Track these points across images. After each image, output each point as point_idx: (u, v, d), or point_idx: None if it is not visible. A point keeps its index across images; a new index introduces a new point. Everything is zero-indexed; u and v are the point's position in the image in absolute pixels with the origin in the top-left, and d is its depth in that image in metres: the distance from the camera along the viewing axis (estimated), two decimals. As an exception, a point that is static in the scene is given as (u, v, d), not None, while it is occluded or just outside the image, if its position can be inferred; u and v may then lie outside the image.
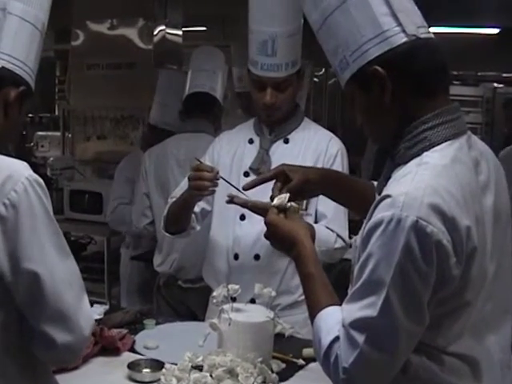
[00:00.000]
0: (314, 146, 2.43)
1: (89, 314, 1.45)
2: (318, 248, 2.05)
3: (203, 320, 2.55)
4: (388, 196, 1.28)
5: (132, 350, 2.15)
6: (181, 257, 3.16)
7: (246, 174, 2.42)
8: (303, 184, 1.78)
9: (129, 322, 2.39)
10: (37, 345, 1.41)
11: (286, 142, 2.44)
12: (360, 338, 1.28)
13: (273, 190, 1.77)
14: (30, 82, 1.56)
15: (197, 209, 2.44)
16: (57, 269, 1.37)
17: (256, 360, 1.85)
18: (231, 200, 1.99)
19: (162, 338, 2.25)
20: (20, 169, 1.37)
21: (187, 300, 3.18)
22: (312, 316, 1.42)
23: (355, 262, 1.37)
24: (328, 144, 2.43)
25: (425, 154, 1.33)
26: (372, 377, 1.32)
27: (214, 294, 2.01)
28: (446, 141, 1.34)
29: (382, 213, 1.27)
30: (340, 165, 2.42)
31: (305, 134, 2.45)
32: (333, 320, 1.35)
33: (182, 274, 3.19)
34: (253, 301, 2.19)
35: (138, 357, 2.07)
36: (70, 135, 6.02)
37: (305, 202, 2.36)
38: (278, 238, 1.62)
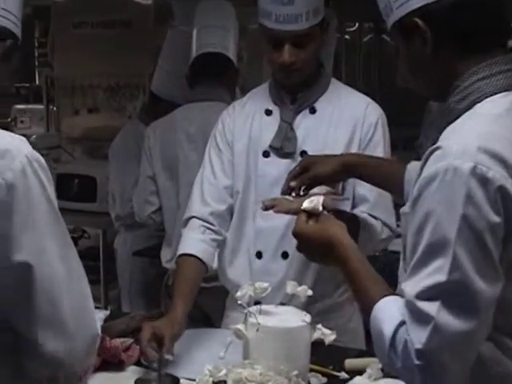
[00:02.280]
0: (347, 115, 2.38)
1: (92, 325, 1.44)
2: (363, 244, 2.06)
3: (220, 326, 2.54)
4: (438, 148, 1.35)
5: (139, 363, 2.14)
6: None
7: (266, 154, 2.38)
8: (324, 175, 1.97)
9: (134, 329, 2.38)
10: (23, 354, 1.40)
11: (313, 111, 2.39)
12: (432, 308, 1.30)
13: (287, 180, 1.87)
14: (17, 33, 1.55)
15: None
16: (55, 264, 1.36)
17: (291, 373, 1.83)
18: (267, 208, 2.03)
19: (174, 349, 2.21)
20: (18, 144, 1.37)
21: (201, 302, 3.15)
22: (367, 312, 1.47)
23: (406, 233, 1.42)
24: (365, 111, 2.38)
25: (477, 105, 1.40)
26: (453, 355, 1.33)
27: (238, 293, 1.99)
28: (500, 92, 1.40)
29: (434, 165, 1.33)
30: (381, 136, 2.38)
31: (334, 100, 2.40)
32: (393, 308, 1.41)
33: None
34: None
35: (147, 371, 2.06)
36: (54, 108, 5.99)
37: (341, 184, 2.33)
38: (313, 248, 1.68)
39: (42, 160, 1.39)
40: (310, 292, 2.00)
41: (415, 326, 1.32)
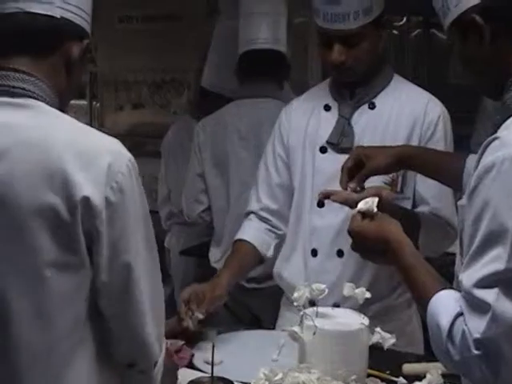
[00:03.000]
0: (407, 111, 2.35)
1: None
2: (425, 244, 2.04)
3: (270, 328, 2.52)
4: (496, 138, 1.37)
5: (191, 365, 2.13)
6: None
7: (323, 150, 2.37)
8: (378, 169, 2.01)
9: (184, 330, 2.35)
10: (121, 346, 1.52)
11: (372, 107, 2.37)
12: (490, 295, 1.31)
13: (341, 181, 1.93)
14: (89, 31, 1.56)
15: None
16: (146, 262, 1.47)
17: (349, 378, 1.80)
18: (325, 196, 2.06)
19: (226, 351, 2.21)
20: (121, 148, 1.45)
21: (251, 303, 3.15)
22: (423, 306, 1.48)
23: (463, 227, 1.44)
24: (426, 107, 2.34)
25: None
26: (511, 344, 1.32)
27: (295, 295, 1.96)
28: None
29: (491, 156, 1.35)
30: (442, 133, 2.34)
31: (395, 96, 2.38)
32: (449, 300, 1.41)
33: (246, 272, 3.14)
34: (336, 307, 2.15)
35: (200, 374, 2.04)
36: (98, 104, 6.00)
37: (399, 180, 2.29)
38: (368, 246, 1.71)
39: (135, 161, 1.47)
40: (368, 294, 1.96)
41: (473, 315, 1.33)
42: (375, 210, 1.71)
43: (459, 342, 1.35)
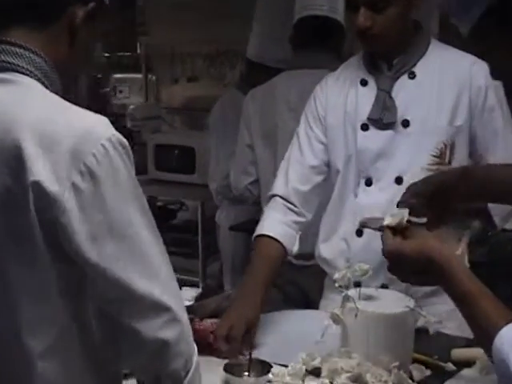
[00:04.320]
0: (451, 77, 2.23)
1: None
2: None
3: (318, 307, 2.46)
4: None
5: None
6: None
7: (365, 127, 2.27)
8: (435, 191, 1.65)
9: (226, 309, 2.31)
10: (125, 349, 1.36)
11: (412, 76, 2.25)
12: None
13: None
14: None
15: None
16: (149, 254, 1.31)
17: (391, 364, 1.72)
18: (364, 226, 1.88)
19: (268, 331, 2.17)
20: (99, 126, 1.30)
21: (299, 280, 3.09)
22: (486, 340, 1.29)
23: None
24: (471, 71, 2.22)
25: None
26: None
27: (336, 275, 1.88)
28: None
29: None
30: (494, 98, 2.21)
31: (436, 62, 2.25)
32: None
33: (295, 248, 3.08)
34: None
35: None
36: (153, 78, 5.97)
37: (447, 152, 2.19)
38: (408, 267, 1.51)
39: (126, 142, 1.33)
40: None
41: None
42: (405, 221, 1.56)
43: None
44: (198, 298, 2.35)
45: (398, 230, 1.55)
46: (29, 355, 1.30)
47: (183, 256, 5.00)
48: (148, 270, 1.30)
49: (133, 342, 1.32)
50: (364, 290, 1.90)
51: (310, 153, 2.36)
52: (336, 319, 1.85)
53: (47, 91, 1.36)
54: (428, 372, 1.81)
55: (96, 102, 6.38)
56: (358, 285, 1.95)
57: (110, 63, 6.02)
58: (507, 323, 1.26)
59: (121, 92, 5.75)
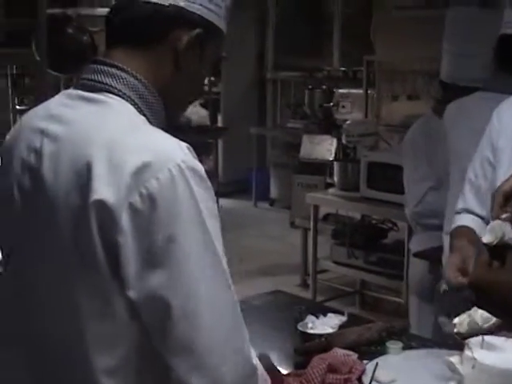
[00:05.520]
0: None
1: (240, 356, 1.30)
2: None
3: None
4: None
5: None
6: None
7: None
8: None
9: (367, 342, 2.23)
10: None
11: None
12: None
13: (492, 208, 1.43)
14: (217, 22, 1.44)
15: None
16: (197, 295, 1.26)
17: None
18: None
19: (403, 369, 2.06)
20: (171, 151, 1.28)
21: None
22: None
23: None
24: None
25: None
26: None
27: (456, 320, 1.74)
28: None
29: None
30: None
31: None
32: None
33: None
34: None
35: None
36: (374, 94, 5.91)
37: None
38: (495, 306, 1.33)
39: (200, 169, 1.28)
40: None
41: None
42: (508, 237, 1.32)
43: None
44: (341, 327, 2.28)
45: (497, 252, 1.33)
46: (93, 372, 1.31)
47: (388, 276, 4.91)
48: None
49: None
50: (490, 339, 1.74)
51: (483, 176, 2.29)
52: (452, 368, 1.71)
53: (133, 112, 1.36)
54: None
55: (327, 115, 6.45)
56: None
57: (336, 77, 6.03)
58: None
59: (343, 107, 5.76)
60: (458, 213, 2.35)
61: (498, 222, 1.38)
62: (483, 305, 1.37)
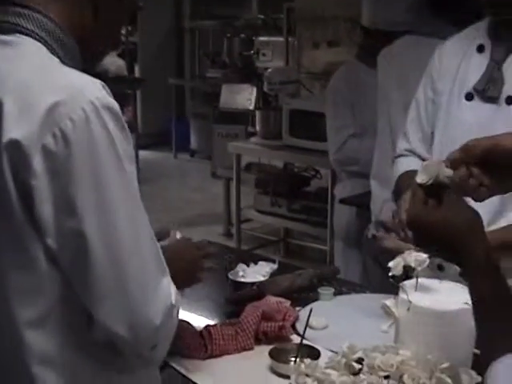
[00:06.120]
0: None
1: (164, 296, 1.28)
2: None
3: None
4: None
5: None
6: None
7: (469, 97, 2.10)
8: (488, 153, 1.32)
9: (299, 288, 2.21)
10: (95, 330, 1.28)
11: None
12: None
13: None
14: None
15: None
16: (118, 232, 1.22)
17: (438, 366, 1.55)
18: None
19: (336, 315, 2.08)
20: (85, 89, 1.22)
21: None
22: (483, 360, 1.14)
23: None
24: None
25: None
26: None
27: (391, 264, 1.72)
28: None
29: None
30: None
31: None
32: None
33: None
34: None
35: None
36: (295, 41, 5.84)
37: None
38: (431, 242, 1.29)
39: (116, 108, 1.23)
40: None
41: None
42: (443, 176, 1.28)
43: None
44: (272, 274, 2.25)
45: (432, 192, 1.28)
46: (16, 324, 1.25)
47: (312, 224, 4.91)
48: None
49: None
50: (424, 281, 1.73)
51: (426, 115, 2.24)
52: (387, 311, 1.70)
53: (45, 52, 1.29)
54: (479, 379, 1.62)
55: (246, 63, 6.37)
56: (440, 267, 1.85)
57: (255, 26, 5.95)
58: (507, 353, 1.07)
59: (264, 55, 5.68)
60: (401, 155, 2.31)
61: (431, 161, 1.35)
62: (421, 243, 1.34)
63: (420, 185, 1.30)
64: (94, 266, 1.20)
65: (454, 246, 1.23)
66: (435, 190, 1.29)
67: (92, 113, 1.19)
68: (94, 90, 1.22)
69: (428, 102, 2.23)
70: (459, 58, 2.15)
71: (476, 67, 2.10)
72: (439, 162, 1.32)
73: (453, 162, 1.31)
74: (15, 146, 1.18)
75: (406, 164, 2.24)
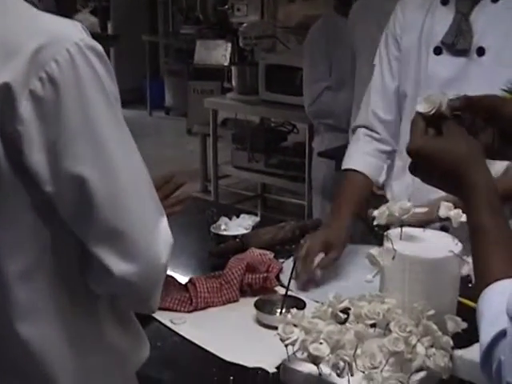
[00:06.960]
0: None
1: (165, 235, 1.26)
2: None
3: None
4: None
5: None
6: None
7: (438, 51, 2.08)
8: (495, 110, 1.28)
9: (281, 241, 2.21)
10: (90, 275, 1.25)
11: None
12: None
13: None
14: None
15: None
16: (117, 171, 1.19)
17: (424, 313, 1.55)
18: None
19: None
20: (67, 31, 1.18)
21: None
22: (479, 286, 1.11)
23: None
24: None
25: None
26: None
27: (375, 213, 1.71)
28: None
29: None
30: None
31: None
32: (503, 303, 1.02)
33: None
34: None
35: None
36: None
37: None
38: (430, 172, 1.26)
39: (100, 48, 1.19)
40: (463, 218, 1.67)
41: None
42: (445, 107, 1.24)
43: (494, 371, 1.03)
44: (254, 227, 2.24)
45: (432, 122, 1.26)
46: (4, 277, 1.23)
47: (290, 179, 4.90)
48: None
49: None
50: (408, 230, 1.72)
51: (390, 75, 2.20)
52: (372, 261, 1.69)
53: (25, 4, 1.24)
54: (465, 325, 1.63)
55: (219, 19, 6.29)
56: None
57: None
58: (500, 279, 1.07)
59: (239, 10, 5.61)
60: (355, 129, 2.30)
61: (435, 92, 1.32)
62: (421, 173, 1.29)
63: (421, 114, 1.27)
64: (97, 206, 1.17)
65: (455, 174, 1.20)
66: (436, 121, 1.26)
67: (77, 54, 1.15)
68: (76, 32, 1.19)
69: (392, 61, 2.19)
70: (423, 12, 2.12)
71: (442, 20, 2.07)
72: (443, 93, 1.29)
73: (454, 109, 1.28)
74: (6, 88, 1.13)
75: (353, 158, 2.23)
